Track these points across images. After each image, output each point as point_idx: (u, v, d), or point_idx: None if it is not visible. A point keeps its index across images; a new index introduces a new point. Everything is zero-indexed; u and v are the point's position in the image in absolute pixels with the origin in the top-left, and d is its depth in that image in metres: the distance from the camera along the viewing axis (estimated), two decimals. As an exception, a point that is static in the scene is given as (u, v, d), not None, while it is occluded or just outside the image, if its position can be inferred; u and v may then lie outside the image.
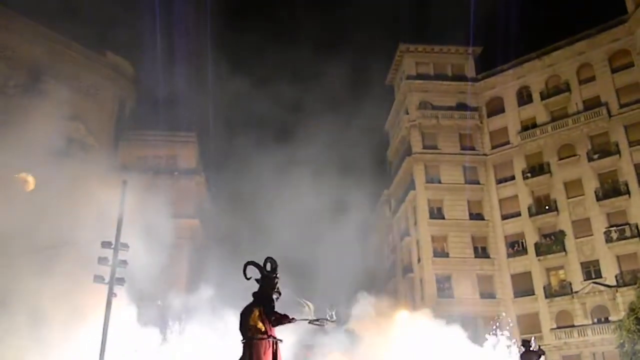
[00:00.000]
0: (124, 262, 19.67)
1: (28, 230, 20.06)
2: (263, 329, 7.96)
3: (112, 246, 19.47)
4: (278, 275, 8.39)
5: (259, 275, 8.33)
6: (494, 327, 27.30)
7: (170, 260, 30.81)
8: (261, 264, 8.36)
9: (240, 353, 8.03)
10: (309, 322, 8.56)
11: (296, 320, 8.33)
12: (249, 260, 8.40)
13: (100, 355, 18.06)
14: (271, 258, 8.45)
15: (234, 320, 8.43)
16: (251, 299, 8.29)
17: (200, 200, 43.20)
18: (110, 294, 19.11)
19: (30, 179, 23.77)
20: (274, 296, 8.21)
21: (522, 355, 18.12)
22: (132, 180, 21.16)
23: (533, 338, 18.65)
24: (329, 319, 8.52)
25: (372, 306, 28.59)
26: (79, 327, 19.95)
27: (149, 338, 21.47)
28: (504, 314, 35.27)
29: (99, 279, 19.17)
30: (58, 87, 27.95)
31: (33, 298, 19.89)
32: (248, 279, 8.29)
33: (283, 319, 8.17)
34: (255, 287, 8.33)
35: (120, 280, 19.55)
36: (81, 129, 37.16)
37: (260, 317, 7.99)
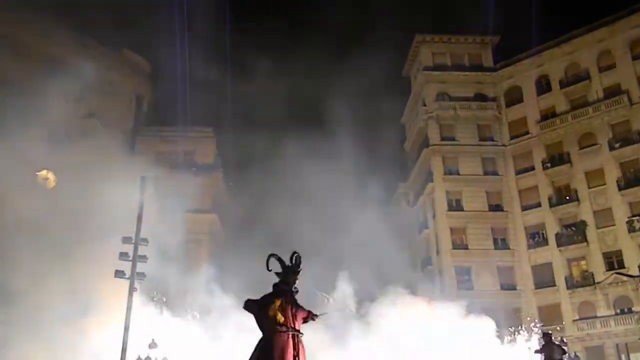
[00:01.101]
0: (144, 257, 19.86)
1: (45, 226, 20.31)
2: (282, 321, 7.67)
3: (132, 241, 19.69)
4: (301, 269, 8.31)
5: (279, 270, 8.27)
6: (516, 319, 27.07)
7: (189, 255, 31.04)
8: (285, 257, 8.30)
9: (258, 347, 7.87)
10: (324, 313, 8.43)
11: (317, 317, 8.26)
12: (272, 252, 8.35)
13: (123, 349, 18.27)
14: (296, 253, 8.38)
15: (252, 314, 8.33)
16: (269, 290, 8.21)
17: (218, 195, 43.41)
18: (132, 289, 19.31)
19: (51, 177, 24.08)
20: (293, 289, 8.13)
21: (543, 348, 17.94)
22: (149, 176, 21.29)
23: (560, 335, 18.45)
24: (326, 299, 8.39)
25: (391, 299, 28.47)
26: (94, 323, 20.18)
27: (169, 332, 21.61)
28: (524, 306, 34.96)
29: (120, 273, 19.40)
30: (75, 85, 28.21)
31: (47, 295, 20.15)
32: (269, 270, 8.22)
33: (310, 316, 8.15)
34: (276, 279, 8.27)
35: (141, 275, 19.76)
36: (98, 126, 37.51)
37: (280, 309, 7.78)
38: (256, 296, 8.07)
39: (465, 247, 41.13)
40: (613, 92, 39.83)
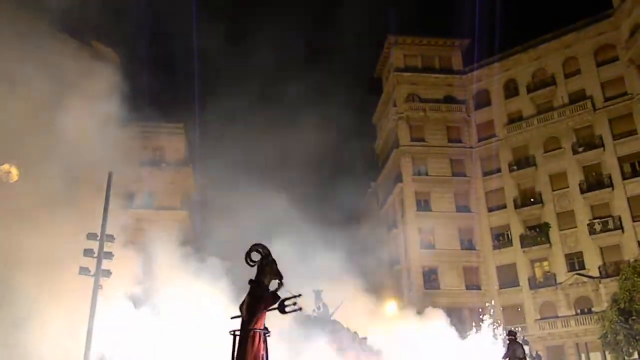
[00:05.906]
0: (110, 253, 19.53)
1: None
2: (254, 320, 7.88)
3: (98, 238, 19.35)
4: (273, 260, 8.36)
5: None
6: (480, 318, 27.54)
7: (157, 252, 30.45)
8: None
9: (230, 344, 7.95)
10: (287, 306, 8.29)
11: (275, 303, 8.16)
12: (255, 243, 8.34)
13: (86, 347, 17.93)
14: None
15: (222, 312, 8.35)
16: (243, 289, 8.25)
17: (188, 192, 42.90)
18: (97, 287, 18.96)
19: (14, 170, 23.41)
20: (277, 280, 8.17)
21: (508, 346, 18.27)
22: (117, 171, 20.95)
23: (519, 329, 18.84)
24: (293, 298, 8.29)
25: (359, 298, 28.67)
26: (68, 319, 19.74)
27: (137, 328, 21.26)
28: (489, 304, 35.57)
29: (84, 270, 19.02)
30: (41, 78, 27.44)
31: (19, 292, 19.62)
32: (252, 263, 8.22)
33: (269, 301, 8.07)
34: (246, 275, 8.30)
35: (106, 273, 19.40)
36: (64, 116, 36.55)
37: (251, 307, 7.91)
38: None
39: (433, 247, 41.66)
40: (578, 98, 40.86)
